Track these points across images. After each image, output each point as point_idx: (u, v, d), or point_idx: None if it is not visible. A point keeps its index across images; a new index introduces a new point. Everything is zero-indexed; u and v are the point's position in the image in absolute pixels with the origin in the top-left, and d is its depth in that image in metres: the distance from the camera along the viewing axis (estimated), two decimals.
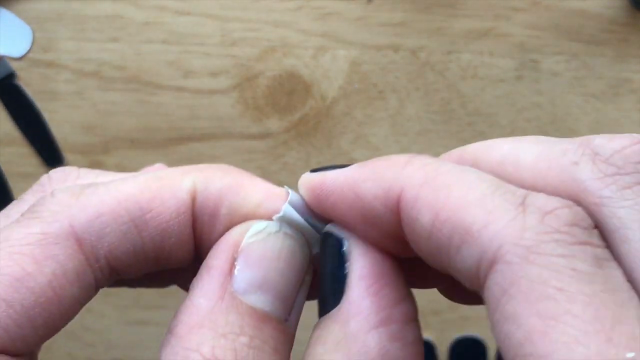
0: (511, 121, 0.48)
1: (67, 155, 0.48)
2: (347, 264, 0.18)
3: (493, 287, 0.15)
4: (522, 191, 0.17)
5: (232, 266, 0.19)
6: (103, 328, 0.49)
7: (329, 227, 0.20)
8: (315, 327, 0.18)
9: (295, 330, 0.20)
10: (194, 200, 0.20)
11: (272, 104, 0.48)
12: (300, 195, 0.20)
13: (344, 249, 0.19)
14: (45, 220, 0.19)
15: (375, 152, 0.48)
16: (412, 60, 0.48)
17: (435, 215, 0.17)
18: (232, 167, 0.21)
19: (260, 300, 0.19)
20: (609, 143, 0.17)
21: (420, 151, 0.49)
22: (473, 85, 0.48)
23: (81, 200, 0.19)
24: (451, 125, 0.48)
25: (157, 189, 0.19)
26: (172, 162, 0.49)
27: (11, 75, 0.48)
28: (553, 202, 0.16)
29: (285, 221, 0.20)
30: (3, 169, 0.48)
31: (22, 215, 0.19)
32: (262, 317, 0.19)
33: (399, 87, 0.48)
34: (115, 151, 0.48)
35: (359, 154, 0.48)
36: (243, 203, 0.20)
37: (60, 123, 0.48)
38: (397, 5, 0.48)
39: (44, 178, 0.23)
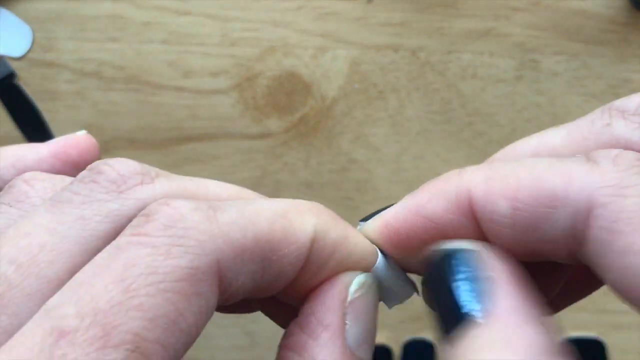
0: (511, 121, 0.48)
1: None
2: (484, 271, 0.18)
3: (597, 234, 0.16)
4: (579, 155, 0.18)
5: (344, 323, 0.19)
6: None
7: (439, 247, 0.19)
8: (450, 344, 0.17)
9: None
10: (311, 247, 0.19)
11: (272, 104, 0.48)
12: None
13: (476, 256, 0.18)
14: (192, 252, 0.17)
15: (375, 152, 0.48)
16: (412, 60, 0.48)
17: (512, 199, 0.18)
18: (336, 215, 0.21)
19: (364, 352, 0.19)
20: (629, 101, 0.19)
21: (420, 151, 0.49)
22: (473, 85, 0.48)
23: (224, 231, 0.18)
24: (451, 125, 0.48)
25: (286, 230, 0.19)
26: (172, 162, 0.49)
27: (11, 75, 0.48)
28: (613, 150, 0.17)
29: (377, 273, 0.21)
30: None
31: (156, 237, 0.17)
32: None
33: (399, 87, 0.48)
34: (115, 151, 0.48)
35: (359, 154, 0.48)
36: (349, 257, 0.20)
37: (60, 123, 0.48)
38: (397, 5, 0.48)
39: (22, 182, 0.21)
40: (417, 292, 0.21)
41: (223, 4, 0.48)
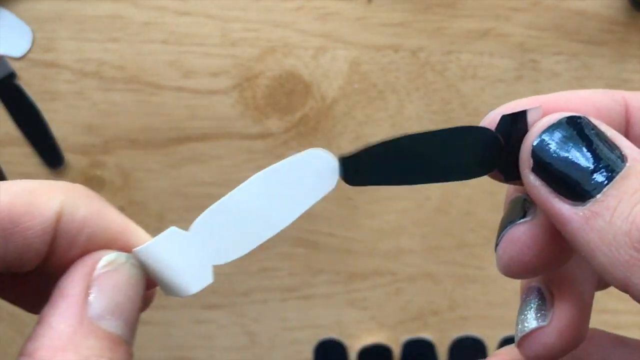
0: None
1: (67, 155, 0.48)
2: (608, 132, 0.20)
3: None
4: None
5: (86, 294, 0.20)
6: None
7: (562, 114, 0.21)
8: (595, 201, 0.19)
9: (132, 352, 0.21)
10: (58, 221, 0.20)
11: (272, 104, 0.48)
12: None
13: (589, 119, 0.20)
14: None
15: None
16: (412, 60, 0.48)
17: None
18: (94, 193, 0.22)
19: (113, 325, 0.20)
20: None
21: None
22: (473, 85, 0.48)
23: None
24: (451, 125, 0.48)
25: (29, 205, 0.20)
26: (172, 162, 0.49)
27: (11, 75, 0.48)
28: None
29: (140, 256, 0.21)
30: (3, 169, 0.48)
31: None
32: (116, 340, 0.20)
33: (399, 87, 0.48)
34: (115, 151, 0.48)
35: None
36: (102, 234, 0.21)
37: (60, 123, 0.48)
38: (397, 5, 0.48)
39: None
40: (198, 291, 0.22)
41: (223, 4, 0.48)
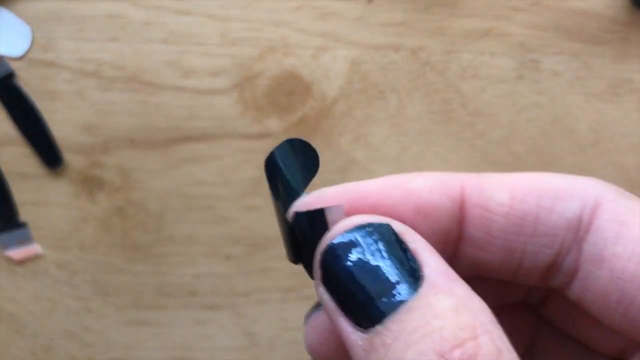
0: (511, 121, 0.48)
1: (66, 155, 0.48)
2: (411, 245, 0.17)
3: (606, 225, 0.17)
4: None
5: None
6: (102, 328, 0.49)
7: (362, 219, 0.18)
8: (383, 329, 0.16)
9: None
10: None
11: (272, 104, 0.48)
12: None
13: (404, 236, 0.17)
14: None
15: (375, 152, 0.48)
16: (412, 60, 0.48)
17: (511, 190, 0.17)
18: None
19: None
20: None
21: (420, 151, 0.49)
22: (473, 85, 0.48)
23: None
24: (451, 125, 0.48)
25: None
26: (172, 162, 0.49)
27: (11, 75, 0.48)
28: None
29: None
30: (2, 169, 0.48)
31: None
32: None
33: (399, 87, 0.48)
34: (115, 151, 0.48)
35: (359, 154, 0.48)
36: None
37: (60, 123, 0.48)
38: (397, 5, 0.48)
39: None
40: None
41: (223, 4, 0.48)
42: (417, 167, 0.48)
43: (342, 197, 0.19)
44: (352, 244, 0.17)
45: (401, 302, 0.16)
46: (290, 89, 0.48)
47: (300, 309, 0.48)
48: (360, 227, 0.17)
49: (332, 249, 0.17)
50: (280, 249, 0.49)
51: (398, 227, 0.17)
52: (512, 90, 0.48)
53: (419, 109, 0.48)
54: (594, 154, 0.48)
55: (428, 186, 0.18)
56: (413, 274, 0.16)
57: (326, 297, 0.17)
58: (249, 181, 0.48)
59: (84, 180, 0.48)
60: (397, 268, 0.16)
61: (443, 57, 0.48)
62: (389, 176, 0.19)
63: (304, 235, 0.19)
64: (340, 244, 0.17)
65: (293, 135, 0.49)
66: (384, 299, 0.16)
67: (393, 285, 0.16)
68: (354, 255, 0.17)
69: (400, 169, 0.48)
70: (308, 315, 0.20)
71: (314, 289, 0.20)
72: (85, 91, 0.48)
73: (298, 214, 0.19)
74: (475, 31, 0.48)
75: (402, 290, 0.16)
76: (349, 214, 0.18)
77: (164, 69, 0.48)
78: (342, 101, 0.48)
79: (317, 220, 0.18)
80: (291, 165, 0.20)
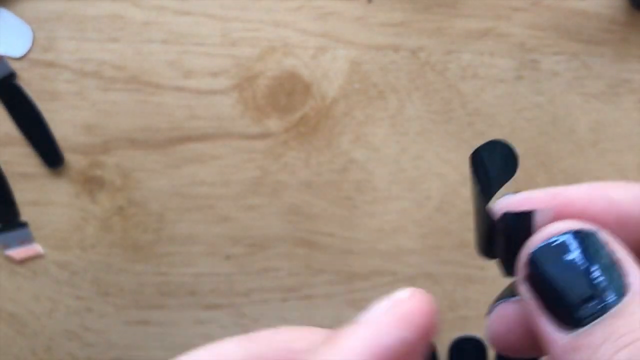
0: (511, 121, 0.48)
1: (67, 155, 0.48)
2: (617, 254, 0.18)
3: None
4: None
5: None
6: (103, 328, 0.49)
7: (573, 224, 0.19)
8: (585, 329, 0.17)
9: None
10: None
11: (272, 104, 0.48)
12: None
13: (606, 242, 0.18)
14: None
15: (375, 152, 0.48)
16: (412, 60, 0.48)
17: None
18: None
19: None
20: None
21: (420, 151, 0.49)
22: (473, 85, 0.48)
23: None
24: (451, 125, 0.48)
25: None
26: (172, 162, 0.49)
27: (11, 75, 0.48)
28: None
29: None
30: (3, 169, 0.48)
31: None
32: None
33: (399, 87, 0.48)
34: (115, 151, 0.48)
35: (359, 154, 0.48)
36: None
37: (60, 123, 0.48)
38: (397, 5, 0.48)
39: None
40: None
41: (223, 4, 0.48)
42: (417, 167, 0.48)
43: (551, 201, 0.19)
44: (563, 247, 0.18)
45: (608, 307, 0.17)
46: (290, 89, 0.48)
47: (300, 308, 0.49)
48: (571, 232, 0.18)
49: (543, 249, 0.18)
50: (280, 249, 0.49)
51: (604, 235, 0.18)
52: (512, 90, 0.48)
53: (418, 109, 0.48)
54: (594, 154, 0.48)
55: (629, 198, 0.19)
56: (619, 282, 0.17)
57: (529, 296, 0.18)
58: (249, 181, 0.48)
59: (85, 180, 0.48)
60: (604, 274, 0.17)
61: (443, 57, 0.48)
62: (591, 184, 0.19)
63: (509, 233, 0.19)
64: (552, 245, 0.18)
65: (293, 135, 0.49)
66: (591, 303, 0.17)
67: (601, 291, 0.17)
68: (564, 258, 0.18)
69: (400, 168, 0.48)
70: (493, 307, 0.21)
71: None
72: (86, 91, 0.48)
73: (507, 213, 0.19)
74: (475, 31, 0.48)
75: (609, 296, 0.17)
76: (556, 218, 0.19)
77: (164, 69, 0.48)
78: (342, 101, 0.48)
79: (525, 221, 0.19)
80: (494, 164, 0.20)
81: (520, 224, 0.19)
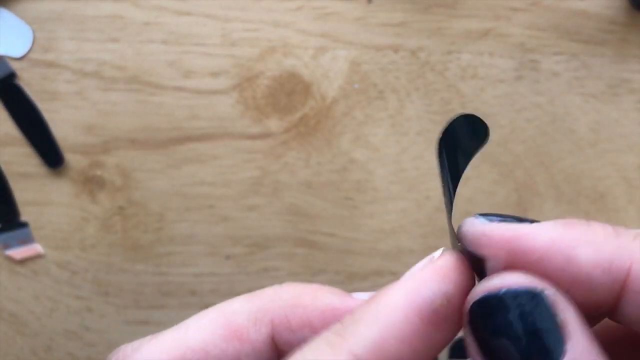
0: (511, 121, 0.48)
1: (67, 155, 0.48)
2: (561, 316, 0.17)
3: None
4: None
5: None
6: (103, 328, 0.49)
7: (520, 280, 0.18)
8: None
9: None
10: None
11: (272, 104, 0.48)
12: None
13: (554, 301, 0.18)
14: None
15: (375, 152, 0.48)
16: (412, 60, 0.48)
17: None
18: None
19: None
20: None
21: (420, 151, 0.49)
22: (473, 85, 0.48)
23: None
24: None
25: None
26: (172, 162, 0.49)
27: (11, 75, 0.48)
28: None
29: None
30: (3, 169, 0.48)
31: None
32: None
33: (399, 87, 0.48)
34: (115, 151, 0.48)
35: (359, 154, 0.48)
36: None
37: (60, 123, 0.48)
38: (397, 5, 0.48)
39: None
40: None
41: (223, 4, 0.48)
42: (417, 167, 0.48)
43: (505, 246, 0.18)
44: (505, 303, 0.17)
45: None
46: (290, 89, 0.48)
47: None
48: (516, 288, 0.17)
49: (485, 302, 0.18)
50: (280, 249, 0.49)
51: (552, 296, 0.17)
52: (512, 90, 0.48)
53: (418, 109, 0.48)
54: (593, 154, 0.48)
55: (594, 260, 0.18)
56: (556, 347, 0.17)
57: (470, 340, 0.18)
58: (249, 181, 0.48)
59: (85, 180, 0.48)
60: (541, 338, 0.17)
61: (443, 57, 0.48)
62: (558, 230, 0.18)
63: (468, 259, 0.19)
64: (496, 297, 0.18)
65: (293, 135, 0.49)
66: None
67: (534, 356, 0.17)
68: (503, 316, 0.17)
69: (400, 168, 0.48)
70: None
71: None
72: (86, 91, 0.48)
73: (463, 249, 0.19)
74: (475, 31, 0.48)
75: None
76: (508, 266, 0.18)
77: (165, 69, 0.48)
78: (342, 101, 0.48)
79: (479, 261, 0.19)
80: (462, 142, 0.20)
81: (475, 262, 0.19)
